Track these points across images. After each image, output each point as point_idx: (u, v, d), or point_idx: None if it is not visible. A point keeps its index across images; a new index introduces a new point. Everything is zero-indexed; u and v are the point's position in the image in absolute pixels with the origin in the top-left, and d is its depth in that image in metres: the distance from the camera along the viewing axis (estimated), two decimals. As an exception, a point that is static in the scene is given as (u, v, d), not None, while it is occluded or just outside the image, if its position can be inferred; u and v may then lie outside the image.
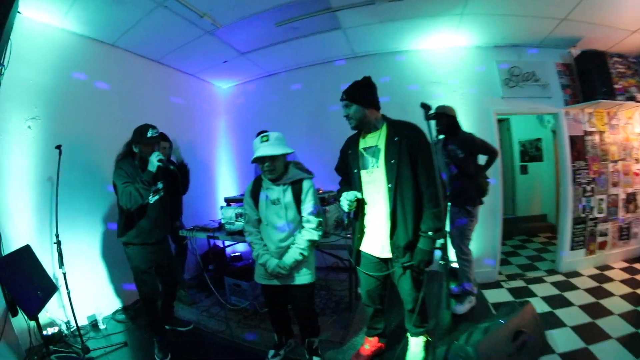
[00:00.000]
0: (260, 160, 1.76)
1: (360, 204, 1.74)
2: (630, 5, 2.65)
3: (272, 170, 1.77)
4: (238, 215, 2.69)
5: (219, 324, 2.61)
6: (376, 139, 1.68)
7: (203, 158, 4.28)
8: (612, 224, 3.56)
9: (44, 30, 2.56)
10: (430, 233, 1.57)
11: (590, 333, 2.25)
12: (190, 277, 3.60)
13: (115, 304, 2.97)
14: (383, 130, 1.67)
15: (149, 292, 2.20)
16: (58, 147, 2.31)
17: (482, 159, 2.60)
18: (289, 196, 1.81)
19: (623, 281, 3.09)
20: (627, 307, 2.59)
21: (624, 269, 3.39)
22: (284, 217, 1.82)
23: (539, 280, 3.30)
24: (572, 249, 3.44)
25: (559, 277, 3.30)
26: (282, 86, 4.15)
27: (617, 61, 3.42)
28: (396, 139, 1.61)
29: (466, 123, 2.66)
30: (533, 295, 2.95)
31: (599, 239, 3.53)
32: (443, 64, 3.48)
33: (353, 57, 3.74)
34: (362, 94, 1.66)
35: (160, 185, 2.24)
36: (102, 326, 2.66)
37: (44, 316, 2.44)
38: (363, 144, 1.74)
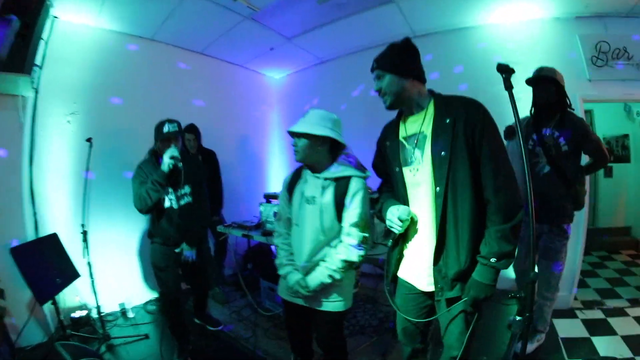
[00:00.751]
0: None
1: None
2: None
3: (296, 150, 1.42)
4: (276, 214, 2.52)
5: (246, 328, 2.46)
6: (421, 123, 1.18)
7: (254, 151, 4.22)
8: None
9: (81, 31, 2.67)
10: (493, 260, 1.05)
11: None
12: (230, 274, 3.56)
13: (148, 294, 3.03)
14: (430, 110, 1.18)
15: (167, 291, 2.09)
16: (89, 139, 2.36)
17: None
18: (328, 195, 1.38)
19: None
20: None
21: None
22: (318, 222, 1.38)
23: (620, 312, 2.64)
24: None
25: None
26: (337, 74, 3.85)
27: None
28: (447, 120, 1.10)
29: None
30: (612, 332, 2.34)
31: None
32: (518, 40, 2.88)
33: (413, 37, 3.26)
34: (400, 60, 1.17)
35: (187, 189, 2.02)
36: (130, 315, 2.72)
37: (73, 300, 2.56)
38: (404, 131, 1.24)
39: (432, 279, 1.17)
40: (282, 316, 2.51)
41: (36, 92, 2.40)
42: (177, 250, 2.04)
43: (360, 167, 1.44)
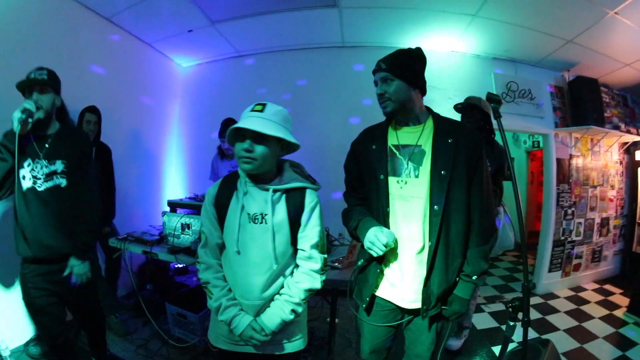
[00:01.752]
0: (239, 136, 1.06)
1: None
2: (632, 38, 2.66)
3: (250, 159, 1.04)
4: (185, 227, 2.09)
5: None
6: (417, 136, 1.15)
7: (150, 148, 3.47)
8: (587, 247, 3.65)
9: None
10: (474, 277, 1.12)
11: (582, 359, 2.20)
12: (125, 294, 2.89)
13: (28, 332, 2.16)
14: (429, 125, 1.16)
15: (49, 336, 1.53)
16: None
17: None
18: (281, 212, 1.10)
19: (598, 303, 3.16)
20: (609, 329, 2.62)
21: (596, 290, 3.48)
22: (270, 246, 1.08)
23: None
24: (550, 270, 3.44)
25: (537, 299, 3.25)
26: (252, 70, 3.52)
27: (603, 91, 3.51)
28: (450, 140, 1.10)
29: None
30: (517, 319, 2.83)
31: (575, 261, 3.58)
32: (440, 67, 3.22)
33: (340, 47, 3.28)
34: (412, 67, 1.14)
35: (59, 165, 1.44)
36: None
37: None
38: (394, 139, 1.19)
39: (416, 296, 1.15)
40: (198, 346, 2.12)
41: None
42: (64, 274, 1.45)
43: (309, 177, 1.20)
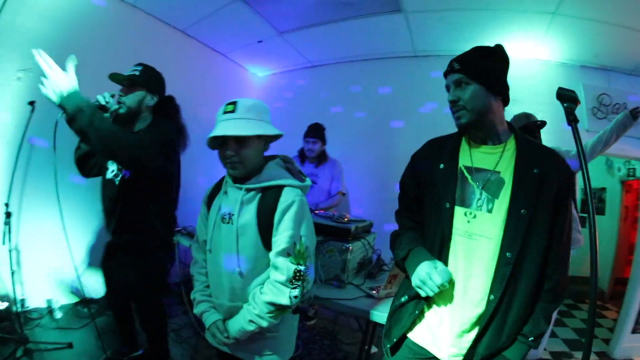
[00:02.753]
0: (216, 143, 1.04)
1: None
2: None
3: (235, 163, 1.02)
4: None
5: (184, 354, 2.10)
6: (496, 160, 0.93)
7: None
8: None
9: None
10: (531, 339, 0.90)
11: None
12: (176, 282, 3.09)
13: (84, 291, 2.53)
14: (510, 148, 0.94)
15: (112, 300, 1.76)
16: (31, 103, 1.99)
17: None
18: (250, 211, 1.03)
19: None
20: None
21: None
22: (234, 248, 1.03)
23: None
24: (634, 331, 2.71)
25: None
26: (326, 82, 3.60)
27: None
28: (536, 170, 0.88)
29: None
30: None
31: None
32: (522, 77, 2.80)
33: (412, 57, 3.15)
34: (493, 69, 0.93)
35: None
36: (58, 315, 2.32)
37: None
38: (466, 159, 0.97)
39: (457, 351, 0.94)
40: None
41: None
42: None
43: (298, 173, 1.12)
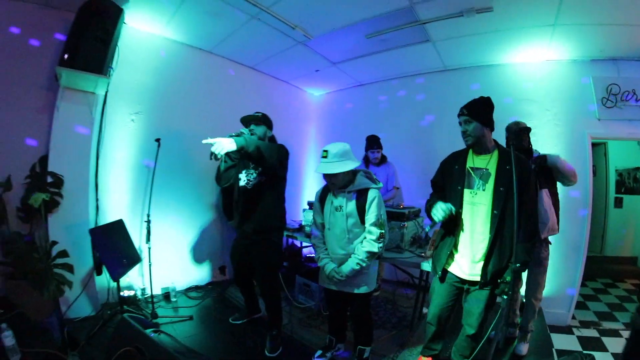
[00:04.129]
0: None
1: (454, 221, 1.69)
2: None
3: (332, 184, 1.85)
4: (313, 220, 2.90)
5: (284, 317, 2.64)
6: (486, 162, 1.67)
7: (293, 160, 4.54)
8: None
9: (148, 38, 3.01)
10: (518, 265, 1.52)
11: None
12: None
13: (190, 281, 3.32)
14: (495, 155, 1.67)
15: (235, 276, 2.48)
16: (157, 140, 2.67)
17: None
18: (351, 204, 1.84)
19: None
20: None
21: None
22: (344, 225, 1.85)
23: (615, 333, 2.85)
24: None
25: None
26: (372, 96, 4.26)
27: None
28: (508, 167, 1.57)
29: (559, 146, 2.42)
30: (604, 349, 2.57)
31: None
32: (535, 79, 3.21)
33: (443, 71, 3.68)
34: (484, 112, 1.64)
35: (252, 171, 2.21)
36: (173, 299, 3.00)
37: (123, 280, 2.79)
38: (471, 163, 1.71)
39: (476, 271, 1.64)
40: (314, 309, 2.87)
41: (106, 91, 2.67)
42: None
43: (373, 180, 1.90)
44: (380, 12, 2.58)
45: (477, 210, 1.63)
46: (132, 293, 2.87)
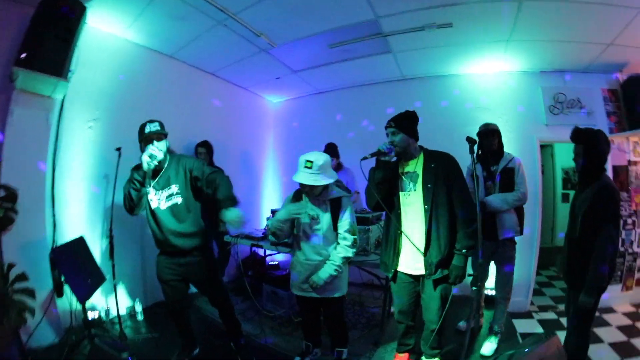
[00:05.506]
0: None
1: (393, 224, 1.85)
2: None
3: (309, 194, 1.90)
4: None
5: (254, 327, 2.71)
6: (414, 166, 1.83)
7: (252, 167, 4.51)
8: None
9: (108, 39, 2.79)
10: (463, 251, 1.69)
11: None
12: (229, 280, 3.76)
13: (154, 297, 3.12)
14: (420, 158, 1.83)
15: (169, 302, 2.07)
16: (118, 149, 2.46)
17: None
18: (327, 213, 1.92)
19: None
20: None
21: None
22: (320, 233, 1.92)
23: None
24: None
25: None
26: (331, 104, 4.32)
27: None
28: (432, 165, 1.76)
29: (511, 149, 2.58)
30: (564, 328, 2.75)
31: (637, 275, 3.33)
32: (490, 88, 3.48)
33: (401, 80, 3.84)
34: (409, 125, 1.81)
35: (174, 188, 1.91)
36: (139, 317, 2.82)
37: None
38: (401, 169, 1.88)
39: (421, 266, 1.78)
40: (284, 316, 2.84)
41: (64, 95, 2.42)
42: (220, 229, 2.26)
43: (346, 189, 2.02)
44: (345, 24, 2.65)
45: (412, 210, 1.80)
46: (96, 314, 2.66)
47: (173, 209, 1.93)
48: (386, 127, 1.83)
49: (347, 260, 1.93)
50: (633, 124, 3.19)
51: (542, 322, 2.99)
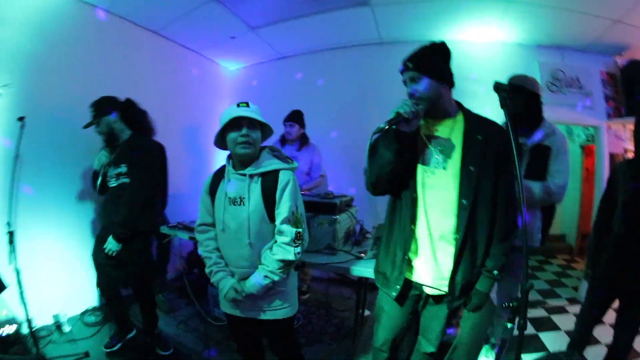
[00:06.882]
0: (235, 125, 1.25)
1: (402, 211, 1.21)
2: None
3: (248, 143, 1.26)
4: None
5: (197, 341, 2.23)
6: (449, 130, 1.18)
7: (201, 145, 3.86)
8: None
9: None
10: (495, 272, 1.16)
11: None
12: (174, 277, 3.23)
13: (86, 302, 2.61)
14: (459, 121, 1.18)
15: (102, 288, 2.04)
16: (21, 118, 1.95)
17: None
18: (256, 193, 1.28)
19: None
20: None
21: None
22: (246, 224, 1.28)
23: (561, 310, 2.98)
24: None
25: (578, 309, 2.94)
26: (296, 71, 3.73)
27: None
28: (480, 137, 1.13)
29: None
30: (556, 328, 2.64)
31: None
32: (482, 59, 3.09)
33: (379, 44, 3.33)
34: (438, 63, 1.14)
35: (123, 168, 1.89)
36: (66, 328, 2.33)
37: None
38: (426, 128, 1.21)
39: (440, 283, 1.19)
40: None
41: None
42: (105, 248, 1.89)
43: (284, 159, 1.38)
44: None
45: (437, 197, 1.15)
46: (13, 329, 2.14)
47: (121, 188, 1.92)
48: (402, 72, 1.17)
49: (287, 264, 1.29)
50: (630, 111, 2.99)
51: (534, 322, 2.74)
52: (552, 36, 2.89)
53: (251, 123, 1.27)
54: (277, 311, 1.36)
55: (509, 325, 0.97)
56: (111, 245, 1.87)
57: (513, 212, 1.16)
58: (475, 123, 1.17)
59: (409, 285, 1.25)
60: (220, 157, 4.02)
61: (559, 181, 1.60)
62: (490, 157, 1.11)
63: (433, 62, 1.14)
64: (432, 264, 1.19)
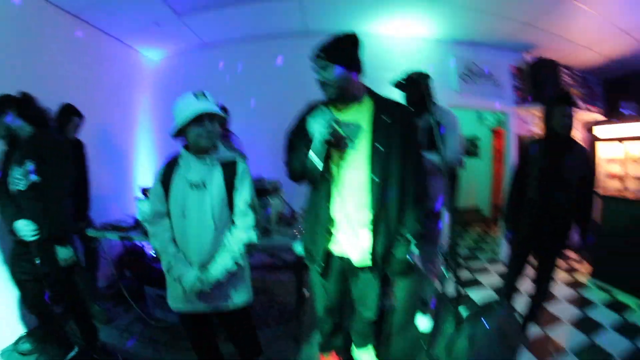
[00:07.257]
0: (197, 119, 1.25)
1: (321, 191, 1.29)
2: (589, 22, 2.82)
3: (212, 137, 1.29)
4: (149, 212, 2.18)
5: (144, 346, 2.09)
6: (356, 114, 1.27)
7: (121, 141, 3.49)
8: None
9: None
10: (409, 237, 1.27)
11: (542, 318, 2.31)
12: (106, 285, 2.92)
13: (17, 329, 2.14)
14: (366, 105, 1.28)
15: (28, 305, 1.82)
16: None
17: None
18: (218, 178, 1.31)
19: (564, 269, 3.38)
20: (569, 291, 2.86)
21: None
22: (209, 208, 1.28)
23: (484, 270, 3.45)
24: None
25: (502, 267, 3.45)
26: (221, 60, 3.57)
27: (564, 72, 3.68)
28: (386, 118, 1.23)
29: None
30: (482, 286, 3.05)
31: None
32: (402, 54, 3.35)
33: (304, 35, 3.30)
34: (348, 53, 1.22)
35: (29, 165, 1.60)
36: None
37: None
38: (337, 114, 1.29)
39: (364, 256, 1.30)
40: (178, 326, 2.12)
41: None
42: (37, 262, 1.64)
43: (239, 152, 1.51)
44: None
45: (350, 176, 1.26)
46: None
47: (32, 188, 1.64)
48: (313, 60, 1.25)
49: (249, 248, 1.34)
50: (537, 99, 3.49)
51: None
52: (468, 33, 3.23)
53: (210, 116, 1.28)
54: (242, 296, 1.37)
55: (447, 274, 1.20)
56: (62, 253, 1.64)
57: (421, 181, 1.31)
58: (382, 106, 1.28)
59: (333, 258, 1.36)
60: (141, 151, 3.81)
61: (451, 151, 1.86)
62: (396, 136, 1.23)
63: (343, 51, 1.22)
64: (353, 239, 1.30)
